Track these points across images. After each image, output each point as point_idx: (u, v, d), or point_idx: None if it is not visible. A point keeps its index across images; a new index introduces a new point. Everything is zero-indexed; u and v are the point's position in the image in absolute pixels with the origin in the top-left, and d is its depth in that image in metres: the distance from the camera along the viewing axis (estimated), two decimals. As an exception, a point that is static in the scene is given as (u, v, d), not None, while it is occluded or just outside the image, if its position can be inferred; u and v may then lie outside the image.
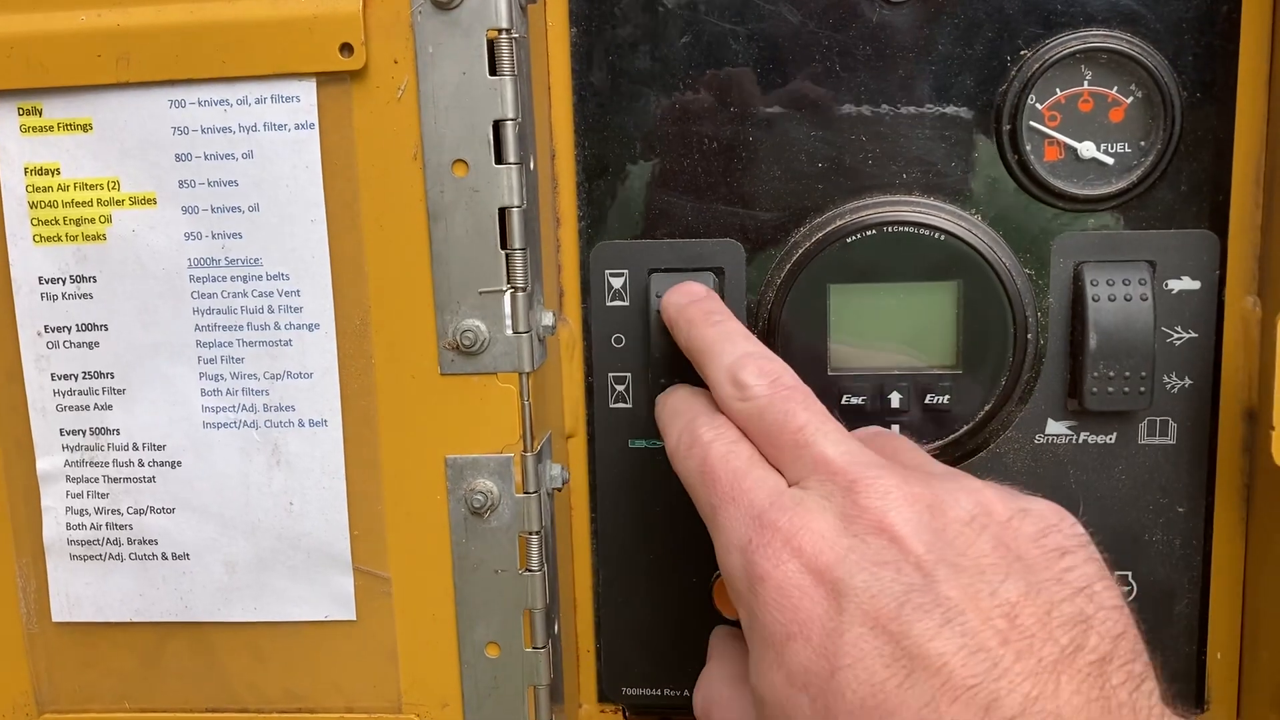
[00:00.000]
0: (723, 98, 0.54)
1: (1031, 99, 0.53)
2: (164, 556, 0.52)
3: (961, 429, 0.55)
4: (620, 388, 0.57)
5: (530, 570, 0.51)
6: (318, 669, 0.53)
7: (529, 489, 0.50)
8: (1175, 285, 0.54)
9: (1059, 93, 0.53)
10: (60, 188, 0.50)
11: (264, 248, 0.49)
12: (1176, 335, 0.54)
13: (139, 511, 0.52)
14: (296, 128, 0.48)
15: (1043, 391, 0.55)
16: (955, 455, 0.56)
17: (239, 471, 0.51)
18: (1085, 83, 0.52)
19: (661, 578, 0.58)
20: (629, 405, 0.57)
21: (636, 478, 0.58)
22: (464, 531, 0.51)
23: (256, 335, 0.50)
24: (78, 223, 0.50)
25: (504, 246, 0.48)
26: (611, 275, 0.56)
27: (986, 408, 0.54)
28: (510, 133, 0.47)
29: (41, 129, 0.50)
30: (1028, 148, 0.53)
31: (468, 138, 0.48)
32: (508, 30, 0.47)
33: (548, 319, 0.52)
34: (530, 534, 0.51)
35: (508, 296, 0.49)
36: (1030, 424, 0.55)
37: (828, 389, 0.54)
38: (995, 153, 0.53)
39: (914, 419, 0.55)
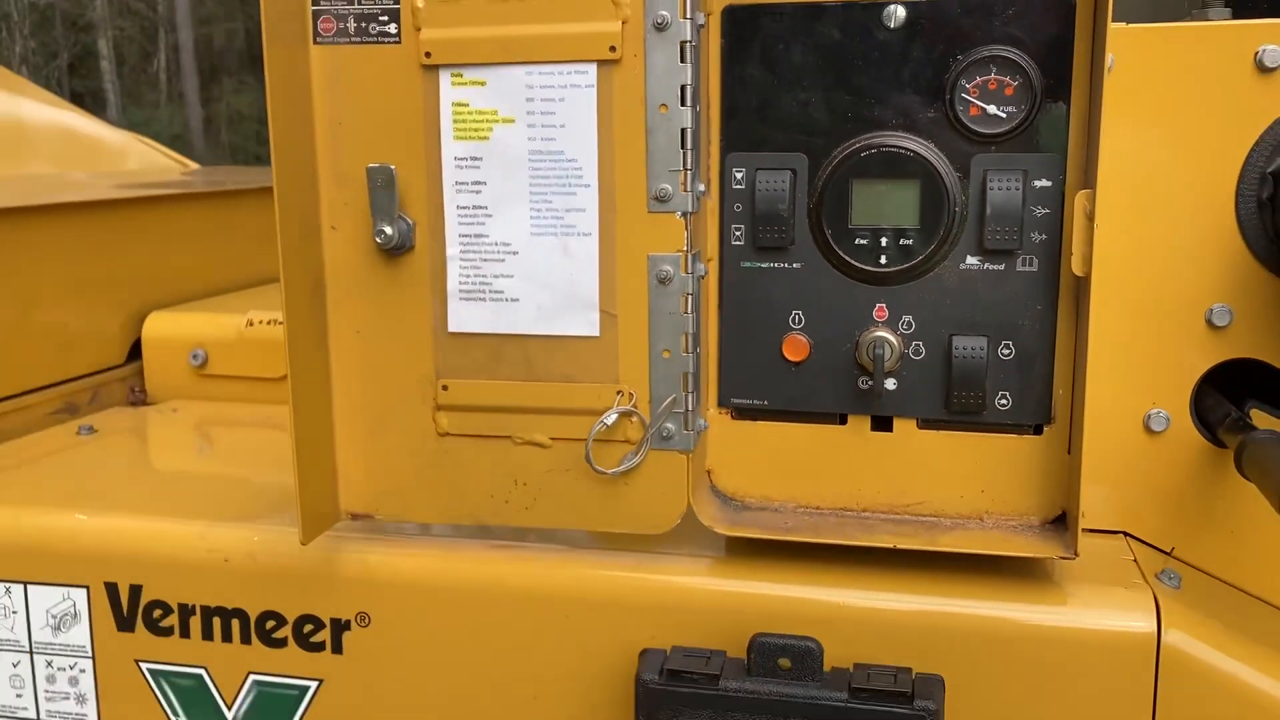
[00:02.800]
0: (800, 74, 1.03)
1: (962, 81, 1.00)
2: (506, 299, 1.05)
3: (919, 258, 1.02)
4: (738, 232, 1.07)
5: (686, 313, 1.01)
6: (576, 364, 1.05)
7: (687, 272, 1.01)
8: (1038, 183, 1.00)
9: (977, 78, 0.99)
10: (468, 113, 1.03)
11: (565, 145, 1.01)
12: (1039, 210, 1.00)
13: (495, 276, 1.05)
14: (587, 87, 0.99)
15: (964, 240, 1.02)
16: (918, 273, 1.03)
17: (546, 258, 1.03)
18: (991, 73, 0.99)
19: (747, 332, 1.08)
20: (741, 243, 1.07)
21: (744, 280, 1.07)
22: (656, 292, 1.02)
23: (558, 189, 1.02)
24: (475, 130, 1.03)
25: (682, 148, 0.99)
26: (735, 170, 1.06)
27: (932, 247, 1.02)
28: (689, 92, 0.98)
29: (461, 84, 1.02)
30: (959, 109, 1.00)
31: (668, 94, 0.98)
32: (690, 40, 0.97)
33: (700, 189, 1.02)
34: (688, 295, 1.01)
35: (681, 174, 0.99)
36: (957, 258, 1.03)
37: (848, 235, 1.03)
38: (944, 110, 1.01)
39: (892, 253, 1.03)
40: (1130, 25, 1.10)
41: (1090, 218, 0.97)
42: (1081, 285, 0.99)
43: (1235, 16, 1.12)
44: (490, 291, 1.05)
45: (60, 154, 3.22)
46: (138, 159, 3.39)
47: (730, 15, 1.03)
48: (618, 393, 1.05)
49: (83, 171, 3.06)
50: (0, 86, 3.29)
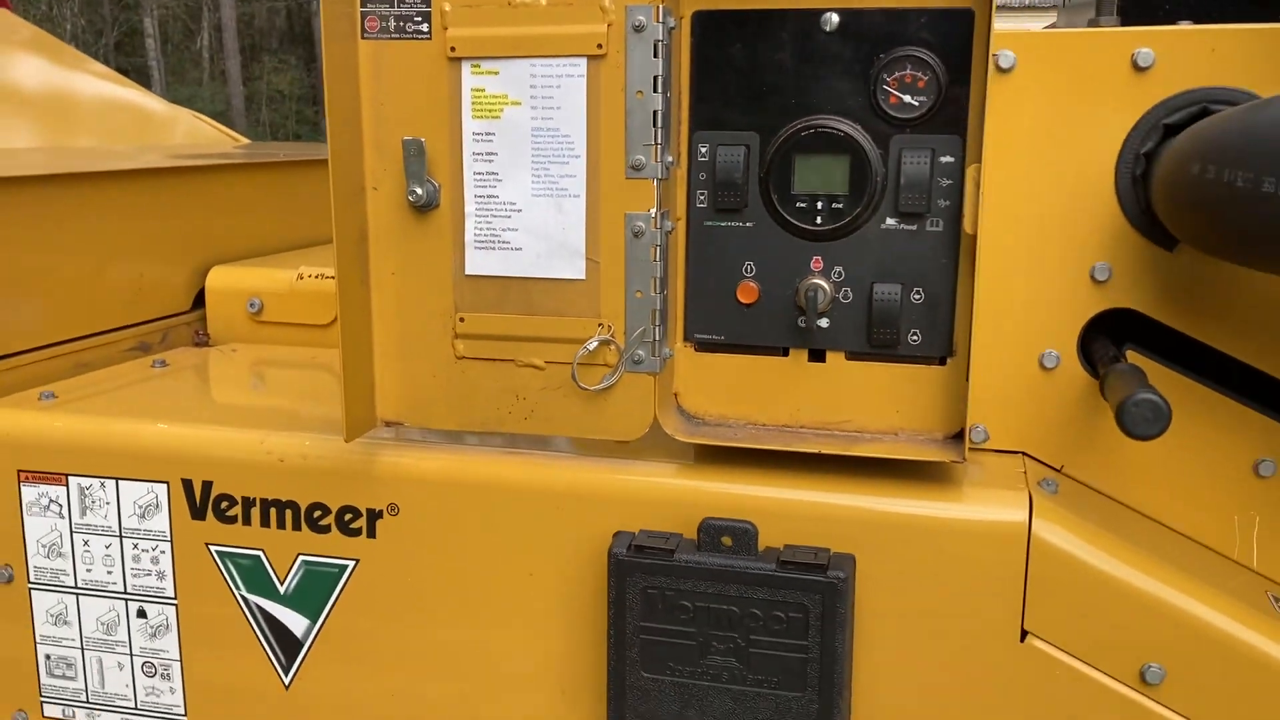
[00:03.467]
0: (755, 68, 1.26)
1: (884, 75, 1.23)
2: (511, 248, 1.30)
3: (847, 219, 1.26)
4: (702, 196, 1.31)
5: (654, 261, 1.26)
6: (566, 301, 1.30)
7: (656, 228, 1.25)
8: (943, 159, 1.23)
9: (896, 73, 1.23)
10: (484, 97, 1.27)
11: (561, 122, 1.25)
12: (943, 181, 1.24)
13: (503, 229, 1.29)
14: (578, 76, 1.23)
15: (884, 205, 1.26)
16: (847, 232, 1.27)
17: (543, 215, 1.28)
18: (907, 69, 1.22)
19: (708, 279, 1.32)
20: (704, 205, 1.31)
21: (706, 236, 1.31)
22: (631, 243, 1.26)
23: (553, 158, 1.26)
24: (489, 110, 1.27)
25: (654, 127, 1.23)
26: (701, 146, 1.29)
27: (858, 210, 1.25)
28: (660, 81, 1.22)
29: (479, 73, 1.27)
30: (880, 98, 1.23)
31: (644, 83, 1.22)
32: (662, 40, 1.21)
33: (670, 160, 1.26)
34: (657, 246, 1.25)
35: (653, 148, 1.23)
36: (878, 219, 1.26)
37: (791, 200, 1.26)
38: (868, 99, 1.24)
39: (826, 215, 1.26)
40: (1034, 30, 1.33)
41: (978, 186, 1.20)
42: (972, 242, 1.22)
43: (1125, 24, 1.35)
44: (499, 242, 1.30)
45: (117, 125, 3.50)
46: (187, 131, 3.66)
47: (698, 19, 1.27)
48: (599, 325, 1.29)
49: (136, 144, 3.34)
50: (63, 61, 3.58)
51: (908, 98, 1.23)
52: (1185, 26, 1.29)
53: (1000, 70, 1.30)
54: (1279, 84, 1.20)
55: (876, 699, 1.27)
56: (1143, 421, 1.11)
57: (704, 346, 1.35)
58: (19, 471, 1.51)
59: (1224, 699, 1.21)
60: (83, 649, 1.55)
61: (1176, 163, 1.17)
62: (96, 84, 3.63)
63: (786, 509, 1.27)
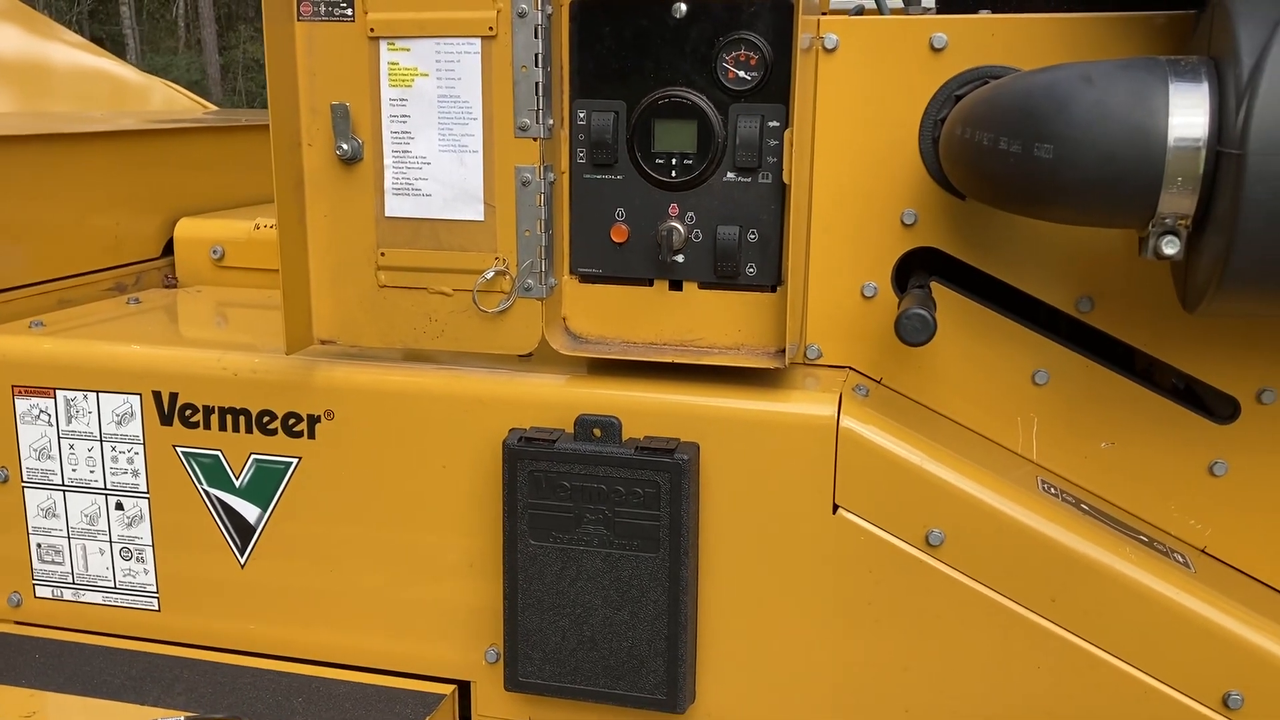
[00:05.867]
0: (621, 47, 1.54)
1: (723, 54, 1.51)
2: (422, 194, 1.57)
3: (696, 173, 1.54)
4: (581, 154, 1.58)
5: (539, 206, 1.54)
6: (468, 238, 1.58)
7: (542, 178, 1.53)
8: (771, 123, 1.51)
9: (732, 53, 1.51)
10: (398, 69, 1.55)
11: (461, 90, 1.53)
12: (771, 141, 1.52)
13: (415, 179, 1.57)
14: (474, 54, 1.51)
15: (725, 161, 1.54)
16: (696, 184, 1.55)
17: (449, 166, 1.56)
18: (741, 49, 1.50)
19: (588, 222, 1.60)
20: (583, 161, 1.59)
21: (584, 186, 1.59)
22: (520, 191, 1.54)
23: (456, 120, 1.54)
24: (403, 80, 1.55)
25: (536, 95, 1.51)
26: (579, 111, 1.57)
27: (704, 166, 1.54)
28: (540, 58, 1.49)
29: (394, 49, 1.54)
30: (720, 73, 1.51)
31: (527, 59, 1.50)
32: (541, 24, 1.49)
33: (551, 123, 1.54)
34: (541, 194, 1.54)
35: (536, 113, 1.51)
36: (721, 173, 1.54)
37: (652, 157, 1.55)
38: (711, 74, 1.52)
39: (680, 170, 1.55)
40: (854, 17, 1.61)
41: (793, 146, 1.49)
42: (792, 191, 1.51)
43: (939, 13, 1.64)
44: (412, 189, 1.58)
45: (93, 94, 3.73)
46: (161, 100, 3.90)
47: (575, 7, 1.55)
48: (496, 258, 1.57)
49: (112, 110, 3.58)
50: (37, 30, 3.80)
51: (742, 73, 1.51)
52: (983, 15, 1.58)
53: (826, 50, 1.59)
54: (1037, 62, 1.49)
55: (718, 558, 1.57)
56: (912, 331, 1.41)
57: (586, 278, 1.64)
58: (13, 386, 1.79)
59: (993, 559, 1.51)
60: (69, 538, 1.83)
61: (949, 127, 1.46)
62: (71, 53, 3.84)
63: (649, 407, 1.56)
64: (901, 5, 1.79)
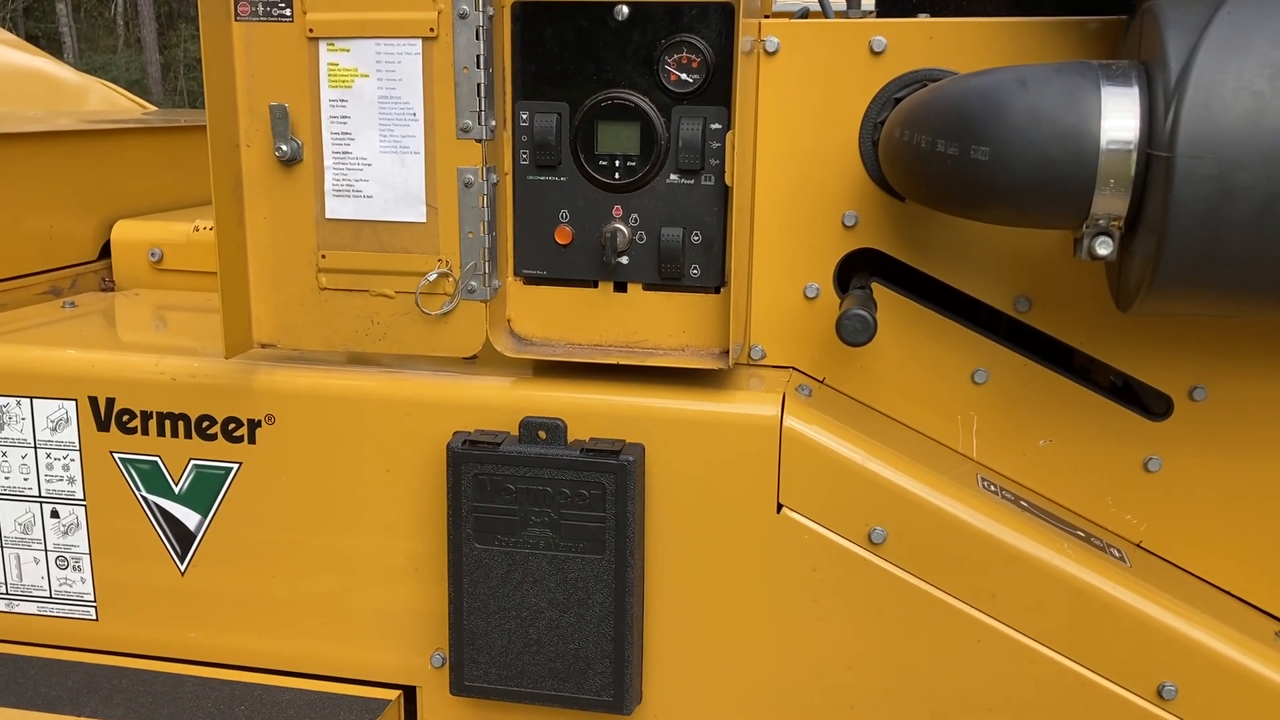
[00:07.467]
0: (563, 49, 1.54)
1: (665, 57, 1.51)
2: (363, 196, 1.56)
3: (640, 175, 1.54)
4: (524, 155, 1.58)
5: (482, 207, 1.53)
6: (410, 240, 1.57)
7: (484, 180, 1.53)
8: (713, 126, 1.52)
9: (674, 55, 1.51)
10: (338, 70, 1.53)
11: (402, 92, 1.52)
12: (713, 144, 1.53)
13: (356, 180, 1.56)
14: (415, 54, 1.50)
15: (668, 163, 1.54)
16: (640, 185, 1.55)
17: (390, 168, 1.54)
18: (683, 52, 1.51)
19: (532, 224, 1.60)
20: (526, 162, 1.58)
21: (528, 188, 1.59)
22: (463, 192, 1.53)
23: (397, 121, 1.53)
24: (343, 81, 1.53)
25: (477, 96, 1.50)
26: (522, 113, 1.57)
27: (648, 168, 1.54)
28: (482, 59, 1.49)
29: (334, 50, 1.53)
30: (663, 75, 1.52)
31: (469, 61, 1.49)
32: (483, 26, 1.48)
33: (493, 124, 1.54)
34: (484, 195, 1.53)
35: (478, 114, 1.51)
36: (664, 175, 1.55)
37: (595, 159, 1.55)
38: (654, 76, 1.52)
39: (623, 171, 1.55)
40: (796, 20, 1.62)
41: (735, 148, 1.49)
42: (734, 193, 1.52)
43: (881, 15, 1.65)
44: (353, 191, 1.57)
45: (28, 94, 3.65)
46: (99, 100, 3.83)
47: (518, 8, 1.55)
48: (438, 260, 1.57)
49: (48, 110, 3.51)
50: (-32, 30, 3.70)
51: (684, 75, 1.52)
52: (921, 19, 1.60)
53: (767, 53, 1.60)
54: (974, 65, 1.51)
55: (663, 559, 1.58)
56: (853, 331, 1.42)
57: (530, 280, 1.63)
58: (-57, 393, 1.75)
59: (935, 557, 1.53)
60: (2, 547, 1.79)
61: (889, 130, 1.47)
62: (4, 52, 3.76)
63: (593, 409, 1.56)
64: (845, 8, 1.81)
